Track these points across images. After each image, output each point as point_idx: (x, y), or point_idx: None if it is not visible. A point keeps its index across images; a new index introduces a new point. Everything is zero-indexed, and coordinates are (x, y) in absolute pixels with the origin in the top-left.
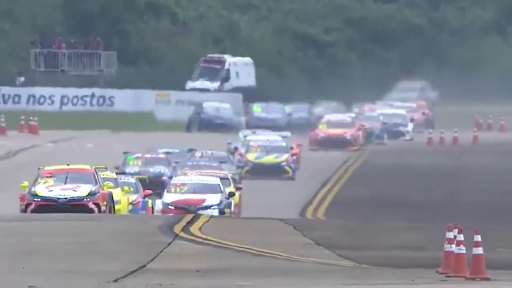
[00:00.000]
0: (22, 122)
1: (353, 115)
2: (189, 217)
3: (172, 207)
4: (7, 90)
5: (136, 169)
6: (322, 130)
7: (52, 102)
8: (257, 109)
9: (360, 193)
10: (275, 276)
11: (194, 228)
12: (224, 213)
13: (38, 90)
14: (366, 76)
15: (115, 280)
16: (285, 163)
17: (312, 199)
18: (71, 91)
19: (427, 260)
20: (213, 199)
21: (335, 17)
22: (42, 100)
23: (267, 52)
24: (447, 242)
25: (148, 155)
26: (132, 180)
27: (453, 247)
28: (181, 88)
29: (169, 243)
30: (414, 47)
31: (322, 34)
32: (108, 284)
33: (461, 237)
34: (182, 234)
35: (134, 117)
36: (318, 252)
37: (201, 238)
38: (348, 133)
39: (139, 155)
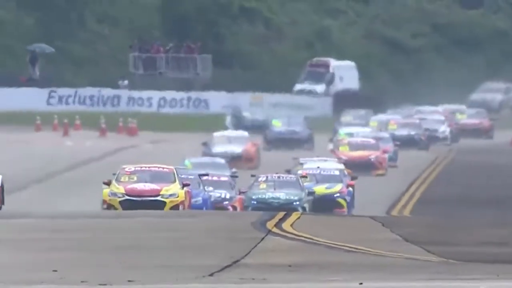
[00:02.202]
0: (121, 124)
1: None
2: (281, 214)
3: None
4: (106, 92)
5: None
6: (344, 153)
7: (150, 104)
8: (277, 123)
9: (446, 191)
10: (365, 271)
11: (286, 225)
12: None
13: (136, 93)
14: (451, 79)
15: (211, 274)
16: (338, 194)
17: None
18: (169, 94)
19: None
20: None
21: (422, 22)
22: (140, 102)
23: (356, 56)
24: None
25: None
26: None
27: None
28: (274, 91)
29: (262, 239)
30: (498, 50)
31: (409, 39)
32: (203, 278)
33: None
34: (274, 230)
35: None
36: (406, 248)
37: (293, 234)
38: (373, 155)
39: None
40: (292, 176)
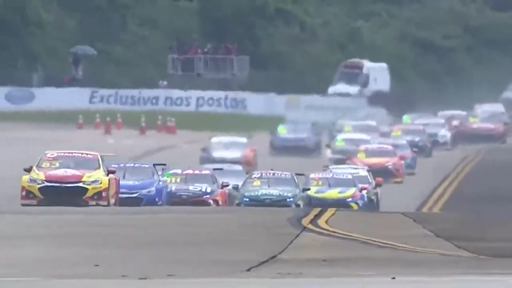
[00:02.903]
0: (160, 123)
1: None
2: (316, 210)
3: None
4: (146, 92)
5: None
6: (361, 160)
7: (188, 103)
8: (283, 130)
9: (476, 189)
10: (397, 266)
11: (321, 221)
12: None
13: (175, 92)
14: (482, 79)
15: (248, 269)
16: (351, 199)
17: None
18: (206, 94)
19: None
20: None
21: (454, 24)
22: (179, 101)
23: (388, 57)
24: None
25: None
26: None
27: None
28: (309, 92)
29: (298, 235)
30: None
31: (441, 40)
32: (241, 272)
33: None
34: (310, 226)
35: (266, 120)
36: (437, 244)
37: (327, 230)
38: (390, 162)
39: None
40: (287, 173)
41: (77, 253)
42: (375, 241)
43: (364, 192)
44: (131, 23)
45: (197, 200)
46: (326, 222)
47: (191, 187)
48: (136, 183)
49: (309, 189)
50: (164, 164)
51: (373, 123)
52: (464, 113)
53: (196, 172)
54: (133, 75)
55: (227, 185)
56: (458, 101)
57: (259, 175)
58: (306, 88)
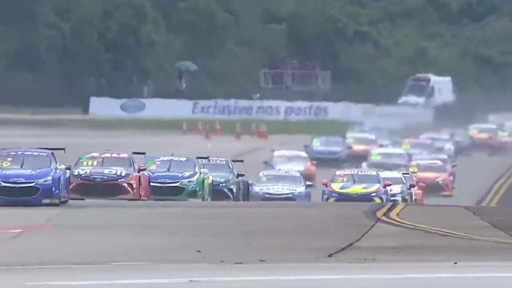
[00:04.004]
0: (253, 129)
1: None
2: (389, 205)
3: None
4: (241, 103)
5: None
6: (413, 174)
7: (278, 112)
8: (316, 143)
9: None
10: (459, 253)
11: (393, 214)
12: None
13: (266, 103)
14: None
15: (329, 255)
16: (374, 194)
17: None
18: (294, 104)
19: None
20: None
21: (509, 43)
22: (269, 110)
23: (451, 72)
24: None
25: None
26: None
27: None
28: (383, 102)
29: (372, 226)
30: None
31: (498, 56)
32: (323, 258)
33: None
34: (383, 218)
35: (345, 126)
36: (493, 233)
37: (398, 221)
38: (440, 177)
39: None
40: (222, 159)
41: (181, 241)
42: (439, 231)
43: (388, 188)
44: (228, 42)
45: (111, 184)
46: (397, 214)
47: (106, 170)
48: (33, 172)
49: (243, 175)
50: (144, 153)
51: (372, 136)
52: (494, 127)
53: (114, 155)
54: (229, 88)
55: (144, 169)
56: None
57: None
58: (379, 99)
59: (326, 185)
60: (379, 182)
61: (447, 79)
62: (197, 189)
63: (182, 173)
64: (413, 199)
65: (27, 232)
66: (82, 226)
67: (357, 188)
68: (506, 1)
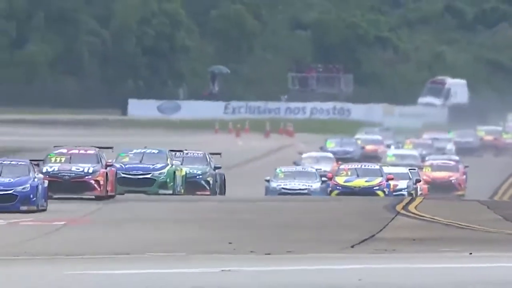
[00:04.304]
0: (281, 128)
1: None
2: (408, 199)
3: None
4: (270, 104)
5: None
6: (426, 173)
7: (304, 112)
8: (331, 144)
9: None
10: (473, 244)
11: (411, 207)
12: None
13: (293, 104)
14: None
15: (352, 246)
16: (377, 187)
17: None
18: (319, 104)
19: None
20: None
21: None
22: (296, 111)
23: (466, 75)
24: None
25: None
26: None
27: None
28: (402, 103)
29: (392, 218)
30: None
31: (509, 61)
32: (346, 249)
33: None
34: (402, 211)
35: (367, 126)
36: (505, 226)
37: (417, 214)
38: (453, 177)
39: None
40: (200, 152)
41: (213, 233)
42: (455, 223)
43: (390, 182)
44: (257, 48)
45: (78, 181)
46: (416, 208)
47: (73, 168)
48: (12, 180)
49: (220, 168)
50: (111, 148)
51: (379, 137)
52: (499, 128)
53: (81, 151)
54: (259, 90)
55: (111, 165)
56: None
57: (177, 154)
58: (399, 100)
59: (330, 178)
60: (381, 176)
61: (463, 82)
62: (168, 180)
63: (153, 165)
64: (419, 194)
65: (70, 225)
66: (120, 220)
67: (360, 182)
68: None
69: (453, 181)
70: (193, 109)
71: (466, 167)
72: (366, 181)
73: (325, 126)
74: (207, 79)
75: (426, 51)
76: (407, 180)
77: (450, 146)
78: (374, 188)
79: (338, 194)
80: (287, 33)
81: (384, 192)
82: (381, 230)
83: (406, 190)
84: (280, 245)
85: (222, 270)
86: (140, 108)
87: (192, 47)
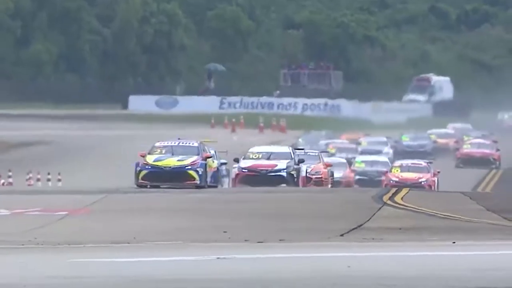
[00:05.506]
0: (274, 123)
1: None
2: (393, 190)
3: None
4: (263, 99)
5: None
6: (395, 175)
7: (296, 108)
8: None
9: None
10: (457, 233)
11: (397, 198)
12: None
13: (285, 100)
14: None
15: (341, 235)
16: (190, 167)
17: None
18: (310, 101)
19: None
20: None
21: (501, 48)
22: (288, 107)
23: (451, 73)
24: None
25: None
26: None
27: None
28: (389, 99)
29: (379, 208)
30: None
31: (491, 60)
32: (335, 237)
33: None
34: (388, 202)
35: (355, 121)
36: (487, 216)
37: (402, 205)
38: (423, 178)
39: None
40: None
41: (208, 223)
42: (439, 213)
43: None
44: (252, 46)
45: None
46: (402, 199)
47: (175, 159)
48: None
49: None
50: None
51: (451, 131)
52: (452, 132)
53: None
54: (253, 86)
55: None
56: (507, 108)
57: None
58: (386, 97)
59: (143, 156)
60: (198, 155)
61: (447, 79)
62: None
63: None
64: (314, 176)
65: (73, 215)
66: (120, 211)
67: (171, 161)
68: (499, 10)
69: (422, 182)
70: (190, 104)
71: (430, 162)
72: (178, 160)
73: (315, 122)
74: (204, 76)
75: (412, 49)
76: (288, 160)
77: (387, 150)
78: (186, 167)
79: (145, 175)
80: (280, 32)
81: (197, 172)
82: (368, 220)
83: (285, 170)
84: (273, 233)
85: (218, 258)
86: (140, 103)
87: (189, 46)
